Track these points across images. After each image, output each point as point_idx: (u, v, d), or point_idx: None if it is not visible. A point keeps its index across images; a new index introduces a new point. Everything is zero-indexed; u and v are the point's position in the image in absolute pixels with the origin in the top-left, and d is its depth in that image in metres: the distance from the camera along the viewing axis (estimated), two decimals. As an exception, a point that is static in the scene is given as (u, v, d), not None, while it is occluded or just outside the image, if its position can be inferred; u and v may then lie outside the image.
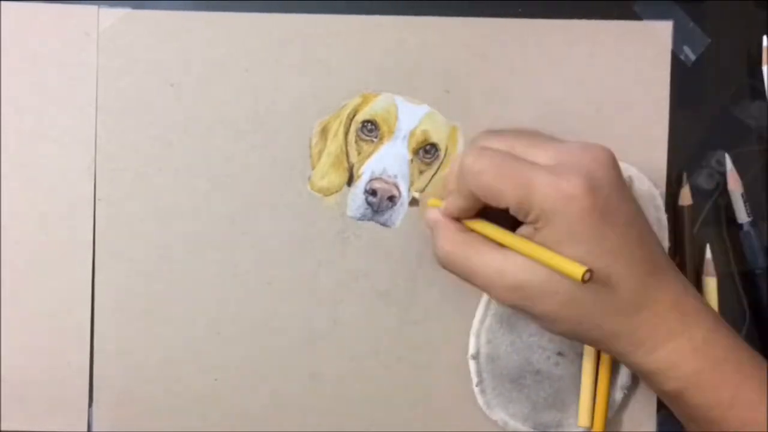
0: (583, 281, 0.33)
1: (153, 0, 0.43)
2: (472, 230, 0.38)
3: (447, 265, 0.38)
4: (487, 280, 0.36)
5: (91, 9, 0.43)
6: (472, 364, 0.42)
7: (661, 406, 0.43)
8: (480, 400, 0.42)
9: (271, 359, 0.43)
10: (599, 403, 0.42)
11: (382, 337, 0.43)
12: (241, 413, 0.43)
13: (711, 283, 0.42)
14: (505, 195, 0.35)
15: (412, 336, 0.43)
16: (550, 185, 0.34)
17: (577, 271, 0.33)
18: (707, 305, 0.37)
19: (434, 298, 0.43)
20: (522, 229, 0.36)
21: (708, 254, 0.43)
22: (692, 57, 0.43)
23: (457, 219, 0.38)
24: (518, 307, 0.36)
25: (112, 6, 0.43)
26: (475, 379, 0.42)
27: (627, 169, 0.41)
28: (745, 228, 0.42)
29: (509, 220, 0.36)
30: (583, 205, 0.34)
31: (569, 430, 0.42)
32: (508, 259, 0.36)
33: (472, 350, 0.42)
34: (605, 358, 0.42)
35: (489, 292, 0.37)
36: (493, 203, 0.36)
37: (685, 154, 0.43)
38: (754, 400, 0.34)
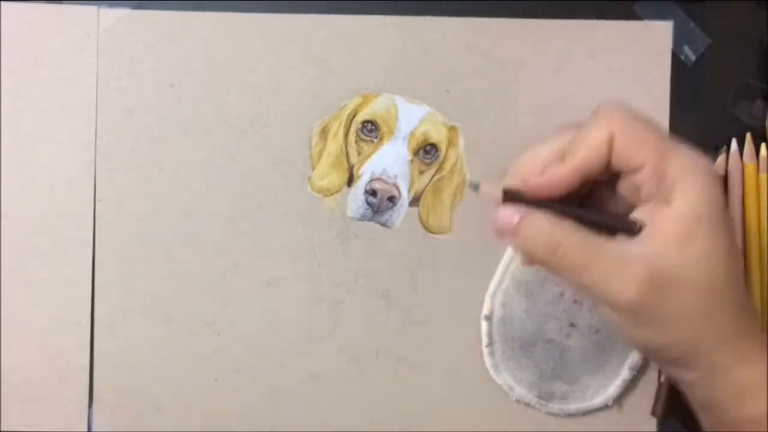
0: None
1: (153, 0, 0.43)
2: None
3: (546, 259, 0.32)
4: (604, 274, 0.31)
5: (91, 9, 0.43)
6: (484, 325, 0.42)
7: (661, 406, 0.43)
8: (488, 362, 0.42)
9: (271, 359, 0.43)
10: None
11: (382, 337, 0.43)
12: (241, 413, 0.43)
13: None
14: (645, 153, 0.31)
15: (412, 336, 0.43)
16: (692, 156, 0.32)
17: None
18: None
19: (434, 298, 0.43)
20: (638, 212, 0.32)
21: None
22: (692, 57, 0.43)
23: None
24: (642, 309, 0.31)
25: (112, 6, 0.43)
26: (485, 340, 0.42)
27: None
28: None
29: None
30: (719, 185, 0.32)
31: (574, 405, 0.42)
32: (630, 242, 0.31)
33: (485, 311, 0.42)
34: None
35: (605, 290, 0.31)
36: (625, 163, 0.32)
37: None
38: None
